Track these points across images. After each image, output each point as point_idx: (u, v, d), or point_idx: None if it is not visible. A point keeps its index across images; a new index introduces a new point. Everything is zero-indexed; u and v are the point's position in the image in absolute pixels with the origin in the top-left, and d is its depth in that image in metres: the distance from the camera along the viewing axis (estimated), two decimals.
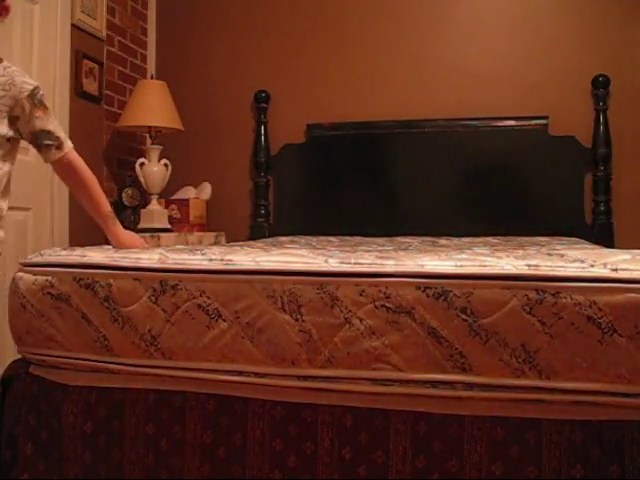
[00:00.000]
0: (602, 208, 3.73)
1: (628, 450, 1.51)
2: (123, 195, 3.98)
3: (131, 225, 3.93)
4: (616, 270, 1.49)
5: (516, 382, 1.51)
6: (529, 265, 1.54)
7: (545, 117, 3.87)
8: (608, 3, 3.89)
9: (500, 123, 3.92)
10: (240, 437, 1.70)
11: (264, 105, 4.21)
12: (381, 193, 4.02)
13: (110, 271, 1.78)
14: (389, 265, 1.60)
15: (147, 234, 3.74)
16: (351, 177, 4.07)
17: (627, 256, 1.57)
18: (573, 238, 3.46)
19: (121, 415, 1.79)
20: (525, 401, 1.53)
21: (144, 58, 4.41)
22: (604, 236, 3.64)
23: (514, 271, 1.53)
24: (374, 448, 1.61)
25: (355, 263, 1.63)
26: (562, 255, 1.62)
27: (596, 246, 2.91)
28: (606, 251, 1.70)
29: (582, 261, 1.55)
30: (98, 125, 3.87)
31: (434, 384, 1.56)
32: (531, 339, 1.50)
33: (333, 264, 1.64)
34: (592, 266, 1.52)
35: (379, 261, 1.63)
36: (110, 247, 2.04)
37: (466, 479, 1.56)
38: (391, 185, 4.02)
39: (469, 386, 1.54)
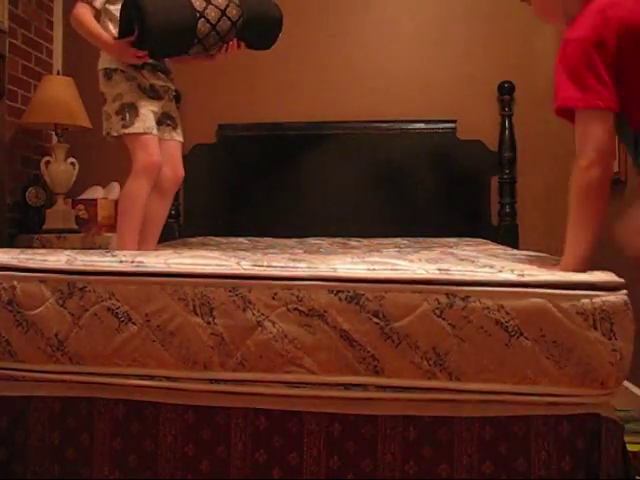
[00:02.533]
0: (507, 210, 3.84)
1: (534, 443, 1.56)
2: (27, 194, 3.84)
3: (35, 226, 3.80)
4: (522, 275, 1.54)
5: (427, 384, 1.54)
6: (440, 269, 1.57)
7: (453, 121, 3.97)
8: (514, 14, 4.01)
9: (410, 126, 3.99)
10: (151, 443, 1.66)
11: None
12: (292, 194, 4.02)
13: (14, 273, 1.71)
14: (301, 268, 1.61)
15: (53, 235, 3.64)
16: (262, 178, 4.06)
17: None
18: (480, 239, 3.55)
19: (24, 425, 1.72)
20: (436, 401, 1.56)
21: (50, 53, 4.27)
22: (509, 237, 3.76)
23: (426, 275, 1.56)
24: (288, 450, 1.61)
25: (268, 266, 1.62)
26: (473, 261, 1.66)
27: (501, 246, 3.00)
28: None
29: (491, 266, 1.59)
30: (0, 121, 3.72)
31: (347, 386, 1.57)
32: (441, 342, 1.53)
33: (246, 266, 1.63)
34: (500, 271, 1.56)
35: (292, 264, 1.63)
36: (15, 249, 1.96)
37: (380, 479, 1.58)
38: (302, 186, 4.02)
39: (381, 388, 1.56)
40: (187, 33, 2.49)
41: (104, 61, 2.63)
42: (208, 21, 2.50)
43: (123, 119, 2.55)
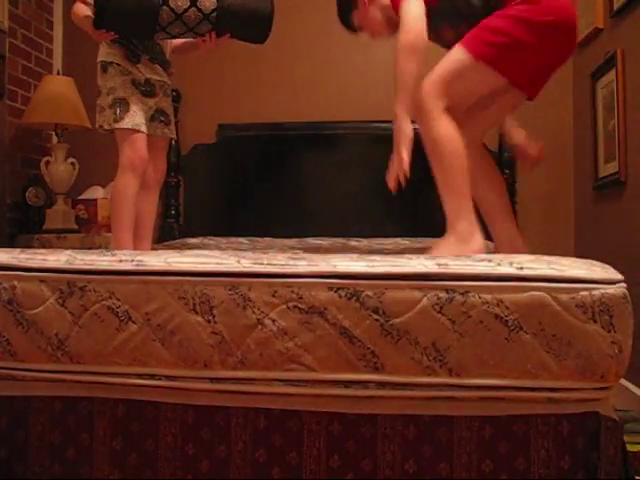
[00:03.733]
0: None
1: (534, 442, 1.56)
2: (27, 194, 3.84)
3: (35, 226, 3.81)
4: (522, 268, 1.54)
5: (427, 380, 1.54)
6: (439, 264, 1.57)
7: None
8: None
9: None
10: (151, 443, 1.66)
11: (175, 104, 4.13)
12: (292, 194, 4.02)
13: (14, 272, 1.71)
14: (302, 265, 1.61)
15: (53, 235, 3.64)
16: (262, 178, 4.06)
17: (531, 257, 1.64)
18: None
19: (25, 424, 1.72)
20: (436, 399, 1.56)
21: (50, 52, 4.27)
22: None
23: (425, 269, 1.56)
24: (288, 449, 1.61)
25: (268, 264, 1.62)
26: (470, 256, 1.67)
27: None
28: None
29: (490, 260, 1.59)
30: (0, 121, 3.72)
31: (347, 384, 1.57)
32: (441, 337, 1.53)
33: (246, 264, 1.63)
34: (499, 265, 1.56)
35: (292, 262, 1.63)
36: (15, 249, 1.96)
37: (380, 478, 1.58)
38: (302, 186, 4.02)
39: (381, 385, 1.56)
40: (144, 19, 2.48)
41: (101, 54, 2.65)
42: (172, 10, 2.48)
43: (114, 113, 2.57)
